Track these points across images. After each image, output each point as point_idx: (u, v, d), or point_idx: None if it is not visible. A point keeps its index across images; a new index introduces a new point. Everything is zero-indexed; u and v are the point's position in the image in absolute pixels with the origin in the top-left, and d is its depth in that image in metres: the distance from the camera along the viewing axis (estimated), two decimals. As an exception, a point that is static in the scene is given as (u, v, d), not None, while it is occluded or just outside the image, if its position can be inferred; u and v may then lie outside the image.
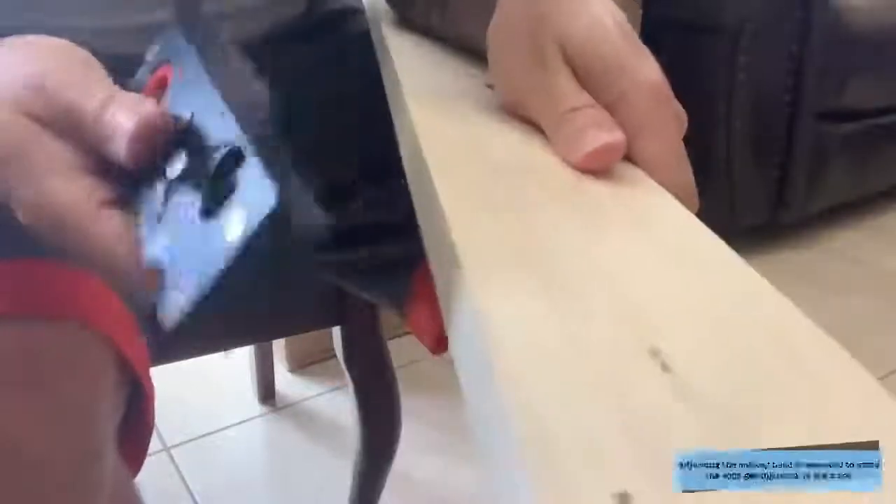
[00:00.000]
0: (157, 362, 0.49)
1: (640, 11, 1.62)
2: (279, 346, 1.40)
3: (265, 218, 0.27)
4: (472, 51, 0.54)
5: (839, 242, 1.89)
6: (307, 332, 0.98)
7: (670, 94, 0.36)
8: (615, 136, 0.34)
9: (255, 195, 0.28)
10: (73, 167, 0.33)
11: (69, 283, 0.42)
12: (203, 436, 1.27)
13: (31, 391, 0.36)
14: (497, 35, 0.42)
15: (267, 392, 1.35)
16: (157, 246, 0.31)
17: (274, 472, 1.24)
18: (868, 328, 1.56)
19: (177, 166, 0.32)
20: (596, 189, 0.33)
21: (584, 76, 0.37)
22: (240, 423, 1.31)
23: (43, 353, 0.37)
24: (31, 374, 0.37)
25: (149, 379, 0.45)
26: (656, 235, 0.30)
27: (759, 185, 1.74)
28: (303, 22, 0.67)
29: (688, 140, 0.39)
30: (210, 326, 0.73)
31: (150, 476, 0.47)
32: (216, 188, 0.29)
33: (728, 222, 1.78)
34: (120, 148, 0.33)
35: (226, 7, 0.55)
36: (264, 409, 1.34)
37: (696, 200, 0.36)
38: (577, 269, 0.27)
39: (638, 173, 0.35)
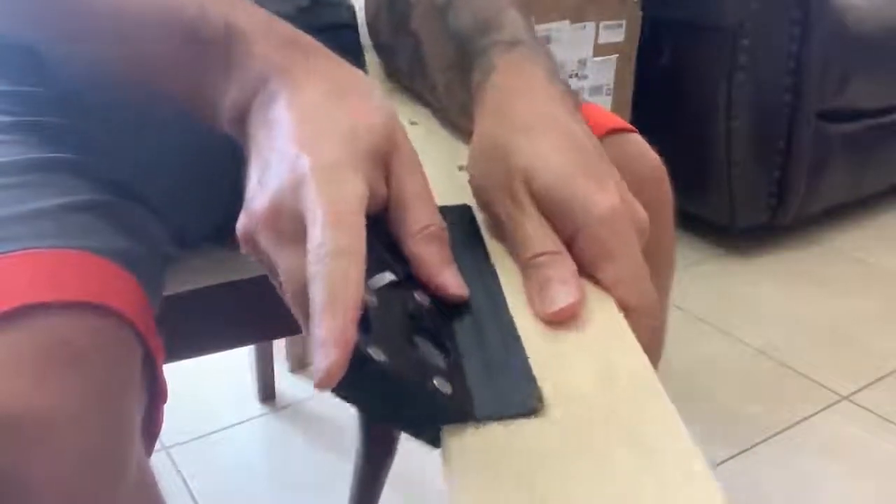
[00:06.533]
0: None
1: (640, 12, 1.62)
2: (279, 346, 1.40)
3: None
4: (449, 120, 0.55)
5: (839, 242, 1.89)
6: (307, 332, 0.98)
7: (627, 214, 0.39)
8: (574, 295, 0.37)
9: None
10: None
11: (102, 272, 0.43)
12: (203, 436, 1.27)
13: (68, 371, 0.38)
14: (475, 155, 0.44)
15: (267, 392, 1.35)
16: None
17: (274, 472, 1.24)
18: (868, 328, 1.56)
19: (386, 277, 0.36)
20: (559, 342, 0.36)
21: (546, 211, 0.39)
22: (240, 423, 1.31)
23: (80, 338, 0.39)
24: (69, 357, 0.38)
25: (164, 379, 0.47)
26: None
27: (759, 185, 1.74)
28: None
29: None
30: (210, 326, 0.73)
31: (151, 476, 0.47)
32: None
33: (728, 222, 1.78)
34: (431, 280, 0.37)
35: None
36: (264, 409, 1.34)
37: (657, 312, 0.39)
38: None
39: (604, 311, 0.38)
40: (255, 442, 1.30)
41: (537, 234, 0.39)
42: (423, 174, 0.40)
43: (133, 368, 0.43)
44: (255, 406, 1.34)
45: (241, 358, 1.35)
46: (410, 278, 0.37)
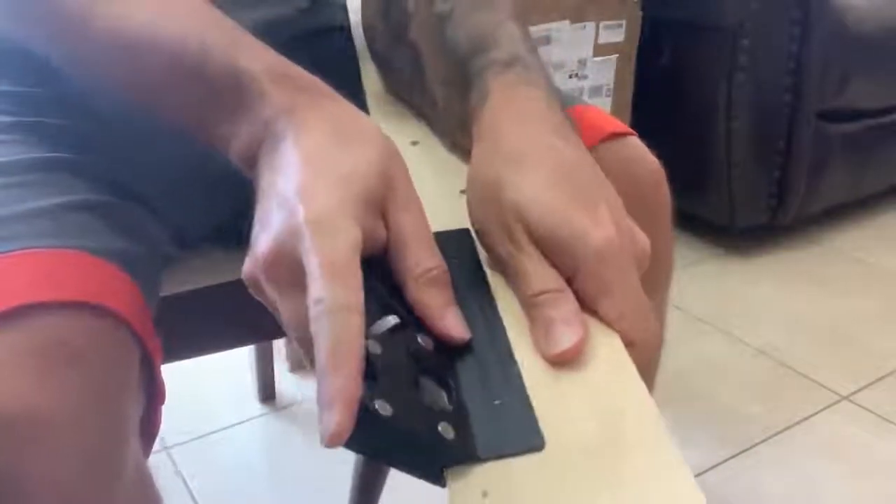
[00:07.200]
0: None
1: (640, 12, 1.62)
2: (279, 346, 1.40)
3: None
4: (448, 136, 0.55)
5: (839, 242, 1.89)
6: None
7: (624, 243, 0.39)
8: (577, 334, 0.37)
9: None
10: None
11: (100, 272, 0.44)
12: (203, 436, 1.27)
13: (66, 371, 0.38)
14: (471, 191, 0.44)
15: (267, 392, 1.35)
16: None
17: (274, 472, 1.24)
18: (868, 328, 1.56)
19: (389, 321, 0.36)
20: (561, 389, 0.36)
21: (543, 249, 0.39)
22: (240, 423, 1.31)
23: (78, 338, 0.40)
24: (66, 357, 0.38)
25: (161, 380, 0.47)
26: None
27: (759, 185, 1.74)
28: (290, 30, 0.67)
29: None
30: (210, 326, 0.73)
31: (150, 476, 0.48)
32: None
33: (728, 222, 1.78)
34: (434, 324, 0.37)
35: (217, 6, 0.55)
36: (264, 409, 1.34)
37: (659, 341, 0.40)
38: None
39: (604, 348, 0.38)
40: (255, 442, 1.30)
41: (537, 273, 0.39)
42: (421, 213, 0.40)
43: (130, 369, 0.43)
44: (255, 406, 1.34)
45: (241, 358, 1.35)
46: (413, 316, 0.38)
